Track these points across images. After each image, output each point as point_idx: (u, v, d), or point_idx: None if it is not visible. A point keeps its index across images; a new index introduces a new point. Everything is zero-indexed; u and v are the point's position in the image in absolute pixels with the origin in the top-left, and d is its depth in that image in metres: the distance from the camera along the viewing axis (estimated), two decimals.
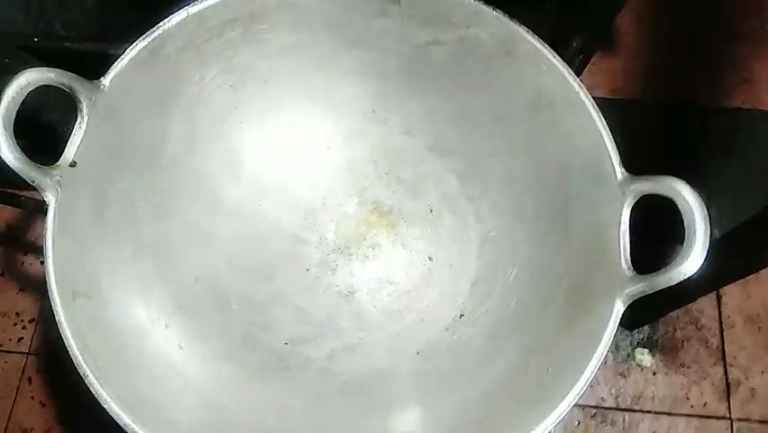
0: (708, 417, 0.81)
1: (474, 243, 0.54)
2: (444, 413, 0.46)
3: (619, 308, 0.42)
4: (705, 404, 0.82)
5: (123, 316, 0.45)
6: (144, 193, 0.50)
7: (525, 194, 0.52)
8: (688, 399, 0.82)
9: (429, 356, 0.50)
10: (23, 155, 0.42)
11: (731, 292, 0.84)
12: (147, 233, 0.50)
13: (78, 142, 0.45)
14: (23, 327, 0.82)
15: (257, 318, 0.51)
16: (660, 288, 0.41)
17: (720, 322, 0.84)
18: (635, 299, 0.42)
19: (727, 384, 0.82)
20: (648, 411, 0.81)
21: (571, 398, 0.41)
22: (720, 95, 0.91)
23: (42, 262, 0.84)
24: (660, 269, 0.42)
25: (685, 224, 0.41)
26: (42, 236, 0.43)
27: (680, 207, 0.42)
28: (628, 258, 0.44)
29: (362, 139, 0.57)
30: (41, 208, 0.77)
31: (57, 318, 0.40)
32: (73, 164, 0.45)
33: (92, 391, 0.39)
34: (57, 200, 0.43)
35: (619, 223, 0.44)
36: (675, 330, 0.84)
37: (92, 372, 0.39)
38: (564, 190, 0.49)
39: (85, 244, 0.45)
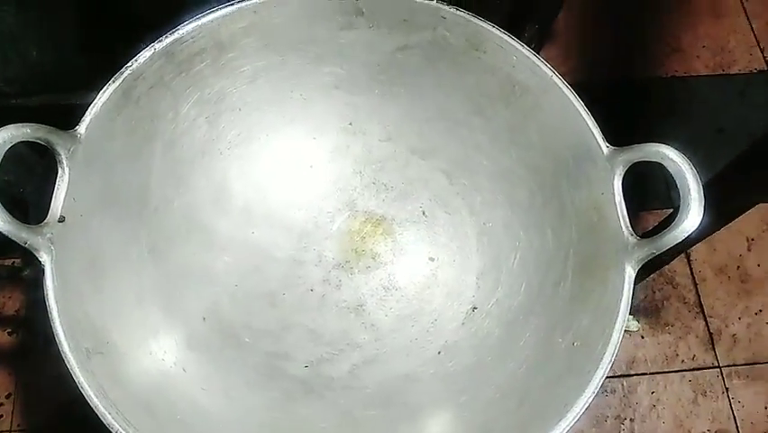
0: (698, 369, 0.85)
1: (472, 237, 0.55)
2: (478, 409, 0.47)
3: (630, 273, 0.44)
4: (693, 357, 0.86)
5: (140, 366, 0.43)
6: (137, 237, 0.48)
7: (515, 181, 0.53)
8: (677, 355, 0.86)
9: (451, 355, 0.50)
10: (12, 217, 0.40)
11: (698, 248, 0.89)
12: (146, 277, 0.48)
13: (63, 195, 0.43)
14: (1, 405, 0.77)
15: (271, 347, 0.50)
16: (667, 247, 0.43)
17: (693, 278, 0.88)
18: (644, 262, 0.44)
19: (710, 335, 0.86)
20: (643, 374, 0.84)
21: (605, 365, 0.42)
22: (656, 66, 0.96)
23: (10, 333, 0.80)
24: (649, 231, 0.44)
25: (678, 184, 0.44)
26: (27, 309, 0.41)
27: (669, 169, 0.44)
28: (629, 225, 0.46)
29: (344, 152, 0.57)
30: (8, 279, 0.73)
31: (77, 381, 0.38)
32: (62, 219, 0.43)
33: None
34: (52, 259, 0.41)
35: (613, 194, 0.46)
36: (654, 292, 0.88)
37: (123, 428, 0.37)
38: (553, 172, 0.51)
39: (87, 299, 0.43)
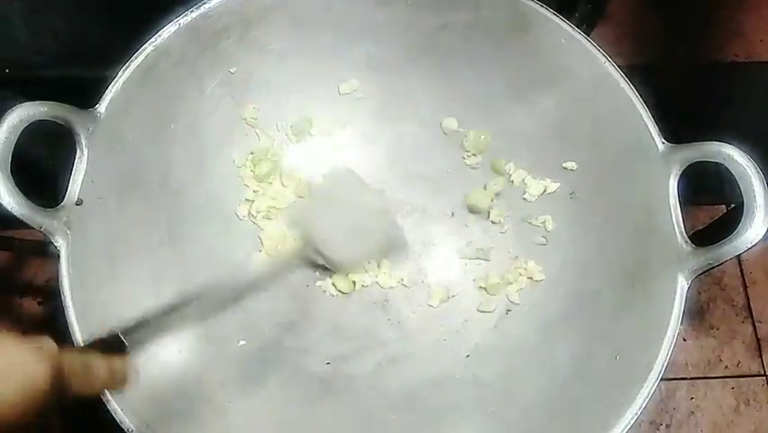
0: (742, 376, 0.80)
1: (509, 232, 0.51)
2: (505, 422, 0.44)
3: (683, 284, 0.40)
4: (738, 363, 0.81)
5: (156, 360, 0.41)
6: (156, 221, 0.46)
7: (558, 175, 0.50)
8: (721, 360, 0.81)
9: (481, 359, 0.47)
10: (27, 200, 0.38)
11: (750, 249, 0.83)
12: (164, 264, 0.46)
13: (81, 177, 0.41)
14: None
15: (292, 341, 0.48)
16: (726, 259, 0.39)
17: (743, 279, 0.83)
18: (699, 273, 0.40)
19: (758, 341, 0.81)
20: (683, 378, 0.80)
21: (650, 384, 0.38)
22: (715, 51, 0.90)
23: (40, 303, 0.80)
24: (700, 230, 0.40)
25: (741, 188, 0.39)
26: (57, 280, 0.39)
27: (732, 171, 0.40)
28: (684, 231, 0.42)
29: (375, 138, 0.54)
30: (38, 250, 0.73)
31: None
32: (79, 202, 0.41)
33: None
34: (68, 244, 0.40)
35: (668, 195, 0.42)
36: (700, 293, 0.83)
37: (137, 428, 0.36)
38: (600, 167, 0.47)
39: (103, 285, 0.42)
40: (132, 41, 0.46)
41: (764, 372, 0.81)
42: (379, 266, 0.51)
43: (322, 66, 0.51)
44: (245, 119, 0.51)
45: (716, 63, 0.89)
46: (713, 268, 0.40)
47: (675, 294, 0.40)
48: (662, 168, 0.43)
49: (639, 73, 0.48)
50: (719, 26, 0.92)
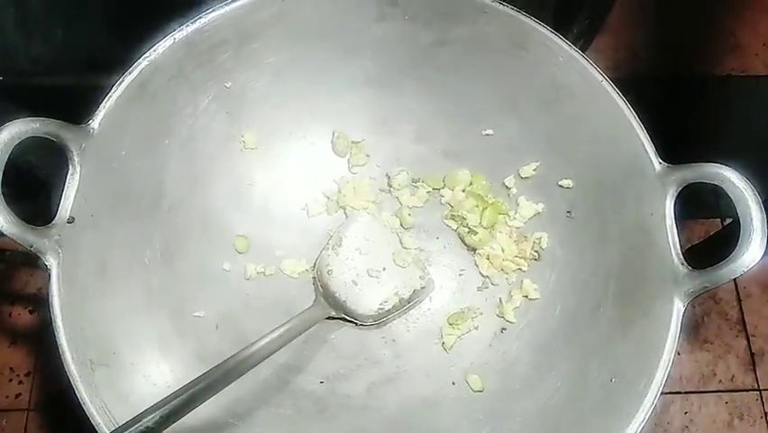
0: (736, 390, 0.80)
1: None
2: None
3: (679, 307, 0.40)
4: (732, 378, 0.81)
5: (147, 379, 0.41)
6: (149, 238, 0.46)
7: (554, 193, 0.49)
8: (715, 375, 0.81)
9: (475, 378, 0.47)
10: (17, 219, 0.38)
11: None
12: (156, 282, 0.46)
13: (74, 194, 0.41)
14: (20, 383, 0.76)
15: (285, 359, 0.47)
16: (723, 282, 0.39)
17: (737, 293, 0.83)
18: (695, 296, 0.40)
19: (752, 355, 0.81)
20: (677, 392, 0.80)
21: (646, 408, 0.38)
22: (711, 64, 0.90)
23: (31, 312, 0.79)
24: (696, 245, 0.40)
25: (738, 211, 0.39)
26: (47, 299, 0.39)
27: (729, 193, 0.40)
28: (680, 253, 0.42)
29: (373, 152, 0.53)
30: (29, 260, 0.72)
31: (79, 396, 0.37)
32: (71, 220, 0.41)
33: None
34: (59, 263, 0.39)
35: (664, 216, 0.42)
36: (694, 306, 0.83)
37: None
38: (596, 185, 0.47)
39: (93, 304, 0.41)
40: (126, 50, 0.45)
41: (758, 386, 0.81)
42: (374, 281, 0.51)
43: (319, 80, 0.51)
44: (243, 141, 0.50)
45: (712, 76, 0.90)
46: (709, 291, 0.40)
47: (671, 316, 0.40)
48: (659, 188, 0.42)
49: (633, 85, 0.48)
50: (716, 39, 0.92)
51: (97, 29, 0.60)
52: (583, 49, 0.62)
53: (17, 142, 0.38)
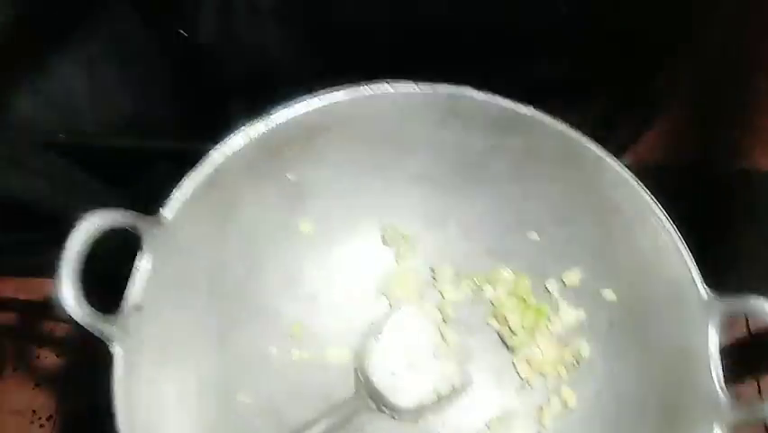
0: None
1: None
2: None
3: None
4: None
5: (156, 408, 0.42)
6: (206, 325, 0.47)
7: (597, 304, 0.51)
8: None
9: None
10: (92, 309, 0.39)
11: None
12: (207, 367, 0.47)
13: (145, 282, 0.42)
14: (41, 426, 0.76)
15: None
16: (765, 417, 0.40)
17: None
18: (739, 426, 0.41)
19: None
20: None
21: None
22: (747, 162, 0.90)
23: (58, 356, 0.80)
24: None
25: None
26: (109, 387, 0.40)
27: None
28: (722, 383, 0.43)
29: (421, 246, 0.55)
30: None
31: None
32: (139, 308, 0.42)
33: None
34: (125, 350, 0.40)
35: (707, 345, 0.44)
36: None
37: None
38: (640, 304, 0.49)
39: (149, 390, 0.42)
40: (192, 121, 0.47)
41: None
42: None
43: (375, 176, 0.53)
44: (300, 230, 0.52)
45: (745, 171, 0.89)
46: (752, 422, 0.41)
47: None
48: (703, 317, 0.44)
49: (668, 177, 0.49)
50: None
51: (163, 101, 0.63)
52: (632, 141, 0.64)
53: (98, 234, 0.40)
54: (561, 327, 0.52)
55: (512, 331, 0.52)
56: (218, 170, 0.46)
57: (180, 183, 0.45)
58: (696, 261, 0.45)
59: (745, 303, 0.43)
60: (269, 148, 0.48)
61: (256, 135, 0.46)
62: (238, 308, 0.49)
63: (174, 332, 0.45)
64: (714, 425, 0.42)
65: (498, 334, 0.53)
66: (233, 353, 0.49)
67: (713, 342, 0.43)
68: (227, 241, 0.49)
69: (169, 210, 0.44)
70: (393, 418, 0.50)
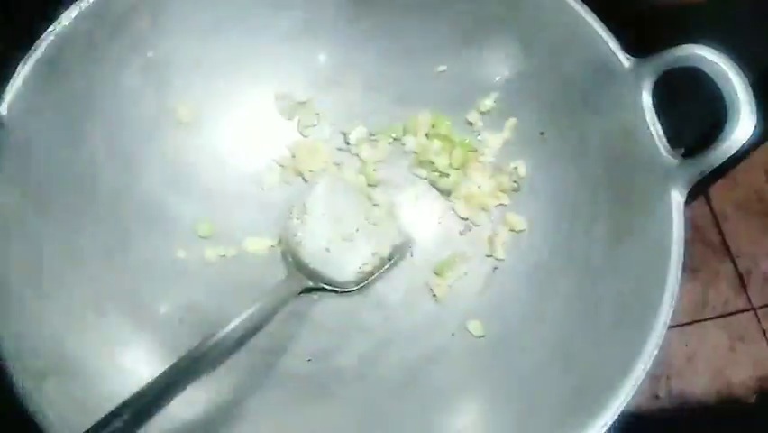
0: (731, 313, 0.79)
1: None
2: (517, 383, 0.40)
3: (678, 199, 0.37)
4: (725, 302, 0.79)
5: (108, 385, 0.36)
6: (87, 235, 0.40)
7: (523, 117, 0.46)
8: (708, 302, 0.79)
9: (474, 326, 0.43)
10: None
11: (716, 184, 0.82)
12: (102, 279, 0.40)
13: None
14: None
15: (263, 343, 0.42)
16: (718, 163, 0.36)
17: (714, 218, 0.82)
18: (692, 184, 0.37)
19: (740, 276, 0.80)
20: (674, 326, 0.78)
21: (664, 311, 0.35)
22: None
23: None
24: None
25: (722, 89, 0.37)
26: None
27: (709, 73, 0.37)
28: (667, 145, 0.39)
29: (323, 110, 0.49)
30: None
31: (34, 412, 0.31)
32: None
33: None
34: None
35: (643, 111, 0.39)
36: None
37: None
38: (567, 98, 0.44)
39: (32, 311, 0.36)
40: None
41: (752, 305, 0.80)
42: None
43: (250, 39, 0.46)
44: (177, 117, 0.45)
45: None
46: (705, 176, 0.37)
47: (671, 209, 0.37)
48: (632, 85, 0.40)
49: None
50: None
51: None
52: None
53: None
54: (491, 154, 0.47)
55: (443, 174, 0.47)
56: (55, 54, 0.39)
57: (13, 75, 0.38)
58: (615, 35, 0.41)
59: (672, 55, 0.39)
60: (110, 21, 0.41)
61: (87, 5, 0.39)
62: (124, 214, 0.42)
63: (46, 247, 0.38)
64: (670, 191, 0.38)
65: (429, 181, 0.48)
66: (132, 263, 0.42)
67: (648, 107, 0.39)
68: (93, 140, 0.42)
69: (4, 105, 0.37)
70: (337, 293, 0.45)
